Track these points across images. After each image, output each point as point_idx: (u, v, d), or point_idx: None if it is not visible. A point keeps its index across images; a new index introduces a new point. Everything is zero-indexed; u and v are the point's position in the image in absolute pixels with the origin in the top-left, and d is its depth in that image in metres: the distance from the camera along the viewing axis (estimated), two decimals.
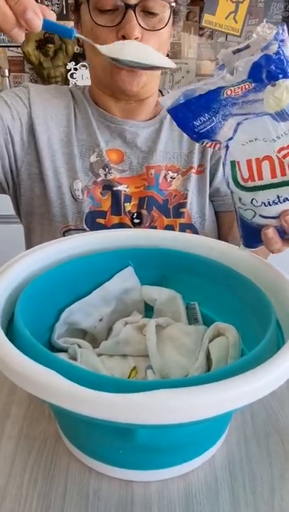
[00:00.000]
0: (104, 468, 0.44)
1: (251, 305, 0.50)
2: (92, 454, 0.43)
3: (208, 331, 0.50)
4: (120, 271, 0.56)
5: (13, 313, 0.45)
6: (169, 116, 0.81)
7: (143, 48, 0.59)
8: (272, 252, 0.50)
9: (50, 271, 0.51)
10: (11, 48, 2.02)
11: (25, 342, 0.39)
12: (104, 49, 0.56)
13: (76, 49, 1.98)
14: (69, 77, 1.88)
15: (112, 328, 0.54)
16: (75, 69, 1.87)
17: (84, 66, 1.86)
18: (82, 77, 1.87)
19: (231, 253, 0.55)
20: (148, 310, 0.58)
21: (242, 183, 0.47)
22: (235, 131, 0.46)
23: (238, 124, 0.45)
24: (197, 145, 0.81)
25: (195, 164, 0.80)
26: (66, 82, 1.94)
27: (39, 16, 0.45)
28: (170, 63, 0.58)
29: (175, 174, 0.79)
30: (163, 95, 0.85)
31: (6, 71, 1.96)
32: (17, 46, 1.99)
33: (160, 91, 0.86)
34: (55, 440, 0.48)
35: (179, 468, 0.44)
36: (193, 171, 0.80)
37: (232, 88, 0.44)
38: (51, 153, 0.75)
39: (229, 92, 0.44)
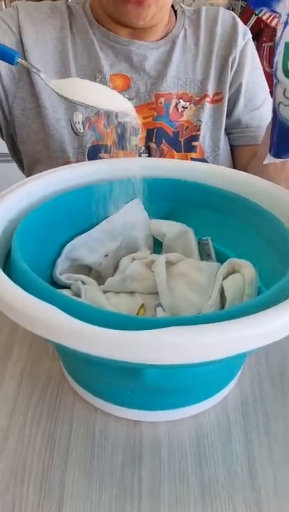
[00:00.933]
0: (110, 408, 0.41)
1: (270, 239, 0.45)
2: (98, 394, 0.41)
3: (222, 268, 0.46)
4: (127, 203, 0.52)
5: (10, 248, 0.41)
6: (182, 34, 0.73)
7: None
8: None
9: (51, 201, 0.46)
10: None
11: (24, 276, 0.36)
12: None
13: None
14: None
15: (118, 265, 0.51)
16: None
17: None
18: None
19: (248, 183, 0.50)
20: (157, 246, 0.54)
21: None
22: None
23: None
24: (213, 70, 0.72)
25: (210, 92, 0.72)
26: None
27: None
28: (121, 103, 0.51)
29: (187, 103, 0.72)
30: (175, 11, 0.76)
31: None
32: None
33: (172, 6, 0.76)
34: (59, 379, 0.45)
35: (190, 409, 0.41)
36: (208, 99, 0.72)
37: None
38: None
39: None
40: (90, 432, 0.41)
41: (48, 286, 0.34)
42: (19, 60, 0.43)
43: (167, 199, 0.53)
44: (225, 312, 0.33)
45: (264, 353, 0.49)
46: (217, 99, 0.73)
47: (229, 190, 0.50)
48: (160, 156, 0.71)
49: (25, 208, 0.46)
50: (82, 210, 0.49)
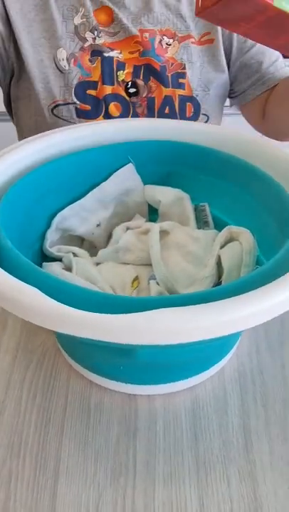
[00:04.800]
0: (105, 382, 0.41)
1: (270, 206, 0.43)
2: (93, 369, 0.41)
3: (219, 236, 0.44)
4: (119, 169, 0.49)
5: None
6: None
7: None
8: None
9: (38, 169, 0.44)
10: None
11: (7, 255, 0.34)
12: None
13: None
14: None
15: (112, 234, 0.49)
16: None
17: None
18: None
19: (249, 145, 0.47)
20: (152, 213, 0.52)
21: None
22: None
23: None
24: None
25: (195, 32, 0.68)
26: None
27: None
28: None
29: (170, 40, 0.68)
30: None
31: None
32: None
33: None
34: (54, 353, 0.45)
35: (186, 382, 0.41)
36: (192, 40, 0.68)
37: None
38: (26, 23, 0.64)
39: None
40: (85, 405, 0.41)
41: (32, 265, 0.32)
42: None
43: (162, 163, 0.50)
44: (219, 290, 0.31)
45: (263, 323, 0.48)
46: (206, 41, 0.69)
47: (227, 152, 0.47)
48: (148, 93, 0.68)
49: (10, 177, 0.43)
50: (71, 177, 0.46)
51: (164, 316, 0.27)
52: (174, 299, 0.29)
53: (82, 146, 0.48)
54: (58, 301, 0.28)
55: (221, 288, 0.33)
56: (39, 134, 0.47)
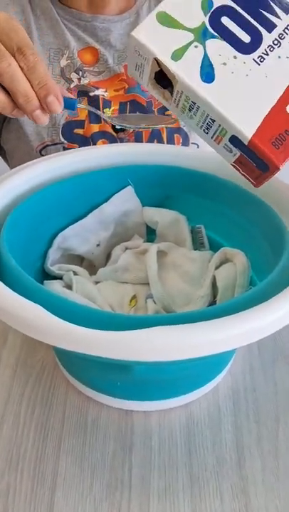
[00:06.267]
0: (102, 398, 0.42)
1: (263, 228, 0.45)
2: (90, 384, 0.42)
3: (214, 257, 0.46)
4: (119, 191, 0.51)
5: None
6: (146, 5, 0.71)
7: None
8: None
9: (40, 192, 0.46)
10: None
11: (11, 272, 0.36)
12: None
13: None
14: None
15: (111, 254, 0.50)
16: None
17: None
18: None
19: None
20: (150, 233, 0.54)
21: None
22: None
23: None
24: None
25: None
26: None
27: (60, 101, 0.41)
28: None
29: None
30: None
31: None
32: None
33: None
34: (53, 369, 0.46)
35: (181, 399, 0.42)
36: None
37: None
38: None
39: None
40: (82, 421, 0.42)
41: (35, 282, 0.34)
42: (79, 105, 0.45)
43: (160, 186, 0.52)
44: (213, 309, 0.33)
45: (256, 341, 0.49)
46: None
47: (222, 177, 0.49)
48: (135, 128, 0.70)
49: (12, 200, 0.45)
50: (72, 200, 0.48)
51: (159, 333, 0.28)
52: (169, 318, 0.31)
53: (83, 170, 0.50)
54: (58, 317, 0.30)
55: (215, 307, 0.34)
56: (42, 158, 0.49)
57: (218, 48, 0.34)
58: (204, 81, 0.34)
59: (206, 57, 0.34)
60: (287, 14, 0.35)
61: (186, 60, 0.34)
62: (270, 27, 0.35)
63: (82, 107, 0.44)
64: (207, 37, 0.34)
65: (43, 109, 0.40)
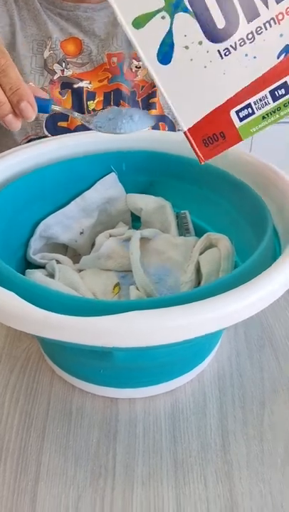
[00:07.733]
0: (87, 387, 0.42)
1: (247, 213, 0.44)
2: (74, 373, 0.41)
3: (198, 242, 0.46)
4: (102, 178, 0.50)
5: None
6: None
7: None
8: None
9: (20, 179, 0.45)
10: None
11: None
12: None
13: None
14: None
15: (95, 242, 0.50)
16: None
17: None
18: None
19: (228, 156, 0.48)
20: (136, 220, 0.53)
21: None
22: None
23: None
24: None
25: None
26: None
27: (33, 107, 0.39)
28: None
29: (140, 63, 0.70)
30: None
31: None
32: None
33: None
34: (38, 359, 0.46)
35: (166, 385, 0.42)
36: None
37: None
38: None
39: None
40: (66, 409, 0.41)
41: (11, 270, 0.33)
42: (52, 106, 0.43)
43: (144, 172, 0.51)
44: (190, 293, 0.32)
45: (243, 326, 0.49)
46: None
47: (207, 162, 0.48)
48: None
49: None
50: (54, 187, 0.47)
51: (135, 318, 0.28)
52: (147, 302, 0.30)
53: (66, 156, 0.49)
54: (35, 305, 0.29)
55: (194, 291, 0.34)
56: (23, 145, 0.48)
57: (185, 26, 0.31)
58: (160, 61, 0.32)
59: (169, 34, 0.32)
60: (277, 4, 0.31)
61: (148, 30, 0.31)
62: (252, 15, 0.31)
63: (57, 110, 0.43)
64: (178, 9, 0.31)
65: (16, 115, 0.39)
